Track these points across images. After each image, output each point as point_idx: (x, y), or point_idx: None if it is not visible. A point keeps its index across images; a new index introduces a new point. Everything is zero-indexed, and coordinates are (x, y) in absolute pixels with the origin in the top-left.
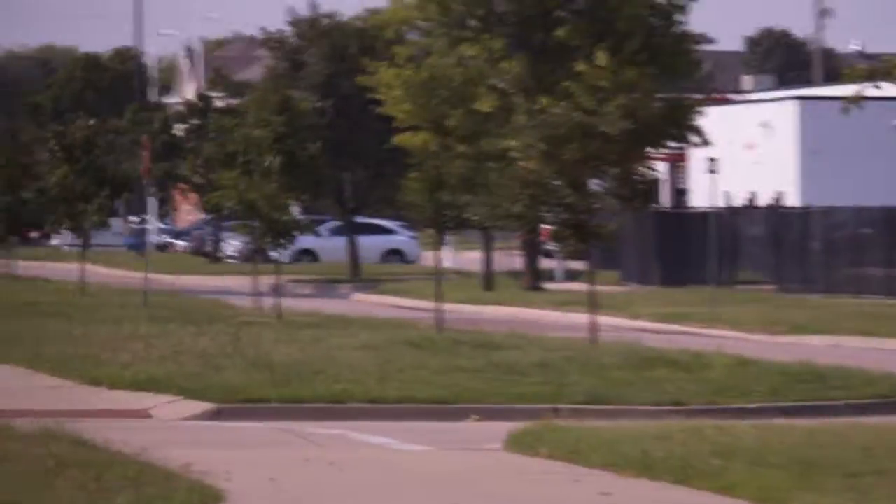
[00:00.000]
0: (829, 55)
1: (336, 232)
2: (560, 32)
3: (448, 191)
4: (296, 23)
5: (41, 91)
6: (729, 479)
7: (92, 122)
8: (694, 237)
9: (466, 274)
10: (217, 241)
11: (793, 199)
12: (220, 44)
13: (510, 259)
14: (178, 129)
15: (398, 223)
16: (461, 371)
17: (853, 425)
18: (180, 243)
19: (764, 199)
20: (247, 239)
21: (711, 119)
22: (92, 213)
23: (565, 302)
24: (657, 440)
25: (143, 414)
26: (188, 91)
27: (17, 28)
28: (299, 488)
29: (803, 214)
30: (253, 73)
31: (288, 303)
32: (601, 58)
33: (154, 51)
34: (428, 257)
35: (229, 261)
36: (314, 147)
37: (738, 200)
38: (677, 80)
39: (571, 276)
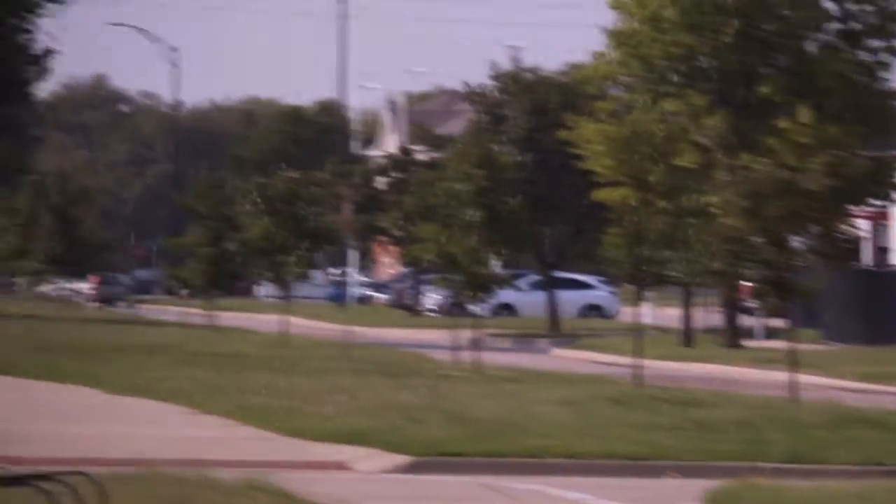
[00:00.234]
0: None
1: (535, 286)
2: (763, 89)
3: (648, 246)
4: (498, 77)
5: (244, 143)
6: None
7: (294, 174)
8: None
9: (665, 330)
10: (417, 294)
11: None
12: (422, 97)
13: (709, 315)
14: (380, 182)
15: (597, 278)
16: (659, 428)
17: None
18: (380, 296)
19: None
20: (446, 292)
21: None
22: (293, 264)
23: (765, 360)
24: (858, 501)
25: (343, 466)
26: (390, 144)
27: (222, 80)
28: None
29: None
30: (454, 126)
31: (487, 356)
32: (804, 114)
33: (357, 103)
34: (626, 312)
35: (429, 314)
36: (515, 201)
37: None
38: (881, 138)
39: (771, 333)
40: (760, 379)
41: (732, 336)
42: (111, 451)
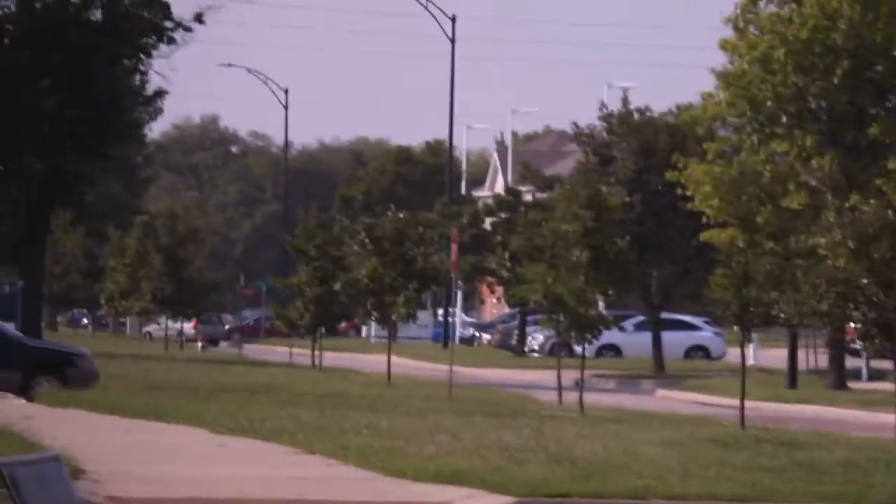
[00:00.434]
0: None
1: (640, 327)
2: (873, 129)
3: (755, 287)
4: (607, 117)
5: (353, 183)
6: None
7: (402, 214)
8: None
9: (770, 371)
10: (522, 335)
11: None
12: (529, 138)
13: (815, 356)
14: (487, 223)
15: (703, 319)
16: (763, 469)
17: None
18: (485, 336)
19: None
20: (551, 333)
21: None
22: (400, 305)
23: (871, 401)
24: None
25: None
26: (497, 184)
27: (331, 121)
28: None
29: None
30: (562, 167)
31: (591, 397)
32: None
33: (465, 144)
34: (732, 354)
35: (533, 354)
36: (623, 242)
37: None
38: None
39: (878, 375)
40: (866, 420)
41: (838, 377)
42: (215, 491)
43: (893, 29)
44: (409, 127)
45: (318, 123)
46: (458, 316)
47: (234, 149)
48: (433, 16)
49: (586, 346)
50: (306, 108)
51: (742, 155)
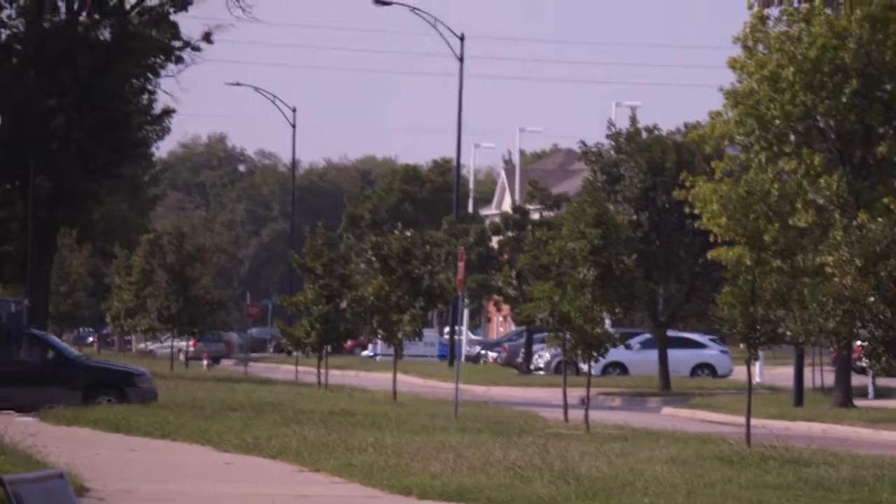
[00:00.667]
0: None
1: (646, 345)
2: (881, 148)
3: (762, 305)
4: (615, 136)
5: (360, 202)
6: None
7: (409, 233)
8: None
9: (776, 389)
10: (528, 353)
11: None
12: (537, 156)
13: (821, 374)
14: (494, 241)
15: (710, 337)
16: (769, 487)
17: None
18: (492, 354)
19: None
20: (557, 351)
21: None
22: (406, 323)
23: (877, 419)
24: None
25: None
26: (505, 203)
27: (339, 140)
28: None
29: None
30: (570, 185)
31: (597, 415)
32: None
33: (472, 163)
34: (739, 371)
35: (539, 372)
36: (630, 260)
37: None
38: None
39: (883, 393)
40: (873, 438)
41: (844, 395)
42: None
43: None
44: (417, 146)
45: (325, 142)
46: (465, 334)
47: (241, 167)
48: (441, 35)
49: (592, 363)
50: (314, 127)
51: (750, 173)
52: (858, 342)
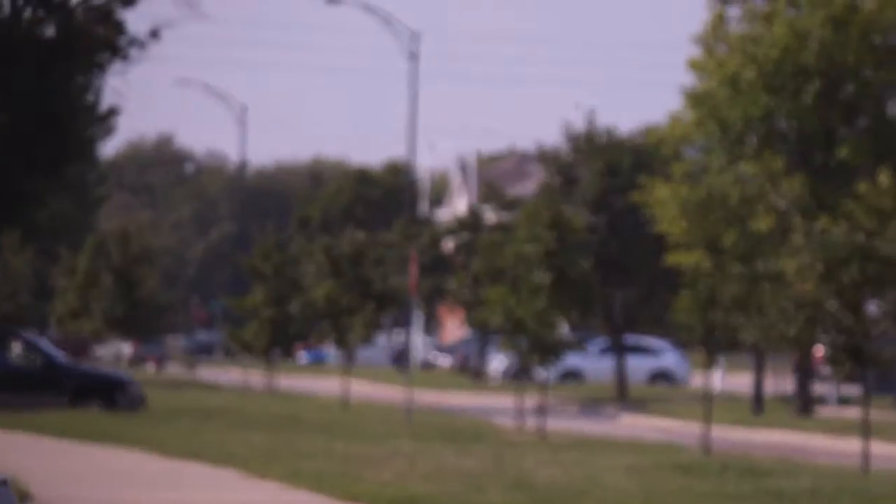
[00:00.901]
0: None
1: (603, 351)
2: (842, 151)
3: (721, 311)
4: (571, 138)
5: (311, 203)
6: None
7: (360, 235)
8: None
9: (735, 396)
10: (482, 359)
11: None
12: (493, 158)
13: (781, 382)
14: (448, 244)
15: (667, 343)
16: (727, 497)
17: None
18: (445, 359)
19: None
20: (512, 357)
21: None
22: (357, 327)
23: (837, 428)
24: None
25: None
26: (459, 205)
27: (289, 140)
28: None
29: None
30: (525, 188)
31: (552, 423)
32: (884, 178)
33: (426, 164)
34: (697, 378)
35: (493, 379)
36: (586, 264)
37: None
38: None
39: (844, 400)
40: (832, 448)
41: (805, 403)
42: None
43: (864, 50)
44: (369, 146)
45: (275, 142)
46: (418, 339)
47: (189, 167)
48: (395, 33)
49: (548, 370)
50: (263, 127)
51: (710, 176)
52: (820, 349)
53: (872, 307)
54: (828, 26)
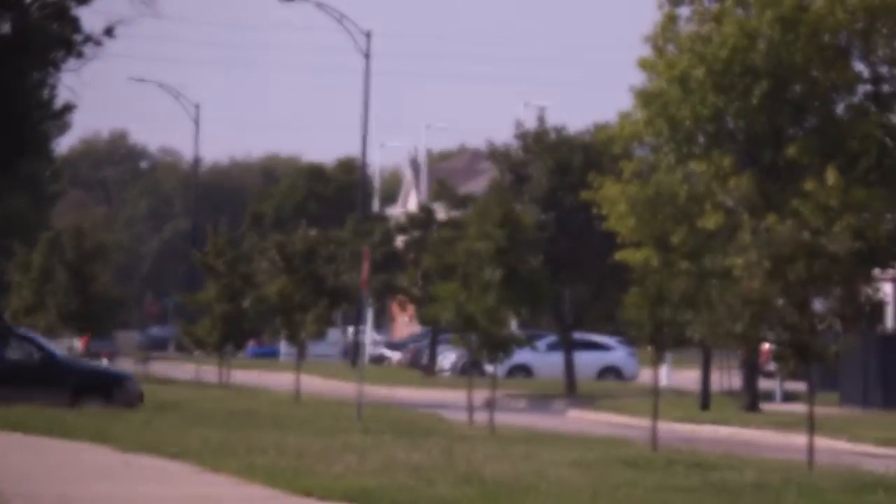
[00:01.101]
0: None
1: (552, 347)
2: (790, 150)
3: (669, 308)
4: (522, 136)
5: (264, 200)
6: None
7: (313, 232)
8: None
9: (683, 392)
10: (433, 354)
11: None
12: (444, 156)
13: (728, 378)
14: (400, 241)
15: (616, 339)
16: (675, 490)
17: None
18: (396, 355)
19: None
20: (462, 352)
21: None
22: (310, 322)
23: (783, 423)
24: None
25: None
26: (411, 202)
27: (242, 137)
28: None
29: None
30: (476, 185)
31: (501, 418)
32: (831, 176)
33: (378, 161)
34: (645, 374)
35: (444, 374)
36: (536, 261)
37: None
38: None
39: (789, 396)
40: (778, 442)
41: (751, 399)
42: None
43: (812, 49)
44: (322, 144)
45: (228, 139)
46: (369, 334)
47: (143, 164)
48: (348, 31)
49: (498, 365)
50: (217, 124)
51: (659, 174)
52: (766, 346)
53: (818, 304)
54: (776, 26)
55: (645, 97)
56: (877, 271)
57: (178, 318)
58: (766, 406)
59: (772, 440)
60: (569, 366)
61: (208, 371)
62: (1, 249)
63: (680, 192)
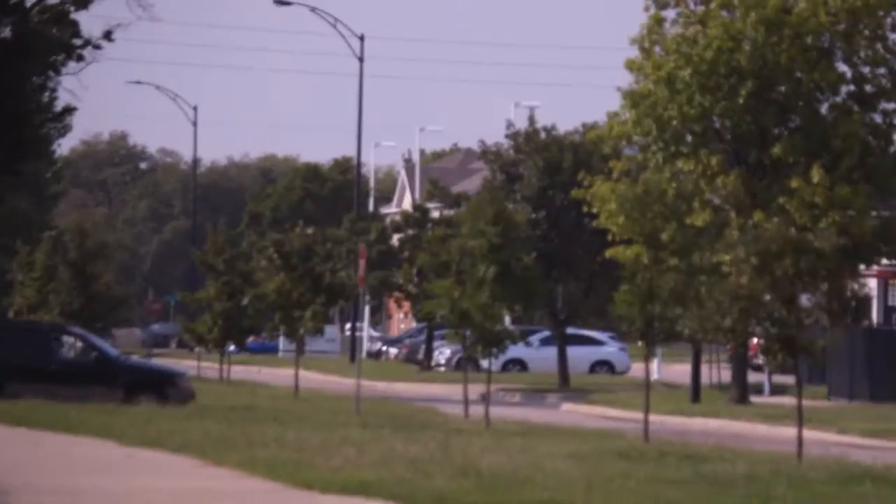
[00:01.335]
0: None
1: (545, 342)
2: (776, 149)
3: (659, 303)
4: (514, 136)
5: (262, 200)
6: None
7: (310, 231)
8: None
9: (674, 386)
10: (429, 350)
11: None
12: (437, 156)
13: (718, 372)
14: (395, 239)
15: (608, 335)
16: (667, 482)
17: None
18: (393, 350)
19: None
20: (458, 347)
21: None
22: (308, 319)
23: (772, 416)
24: None
25: None
26: (405, 201)
27: (241, 138)
28: None
29: None
30: (470, 184)
31: (497, 411)
32: (816, 174)
33: (373, 161)
34: (637, 369)
35: (439, 369)
36: (528, 258)
37: None
38: (891, 198)
39: (778, 389)
40: (768, 434)
41: (741, 392)
42: (125, 503)
43: (796, 50)
44: (318, 144)
45: (226, 140)
46: (366, 330)
47: (143, 165)
48: (342, 35)
49: (492, 360)
50: (215, 126)
51: (647, 173)
52: (755, 340)
53: (805, 299)
54: (761, 28)
55: (633, 98)
56: (862, 267)
57: (179, 316)
58: (755, 399)
59: (761, 432)
60: (562, 360)
61: (209, 367)
62: (4, 248)
63: (668, 190)
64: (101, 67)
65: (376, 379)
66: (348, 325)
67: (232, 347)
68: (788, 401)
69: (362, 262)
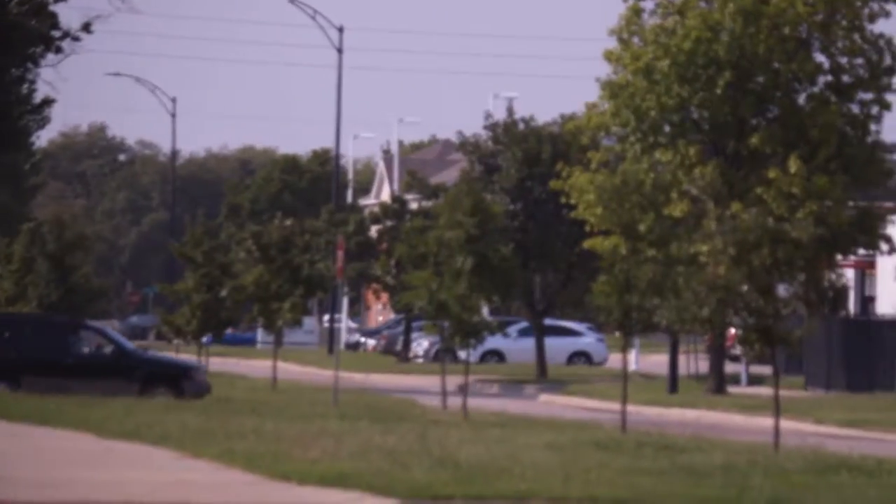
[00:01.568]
0: None
1: (523, 333)
2: (754, 140)
3: (637, 294)
4: (492, 127)
5: (240, 191)
6: None
7: (289, 222)
8: (881, 344)
9: (651, 376)
10: (407, 341)
11: None
12: (416, 147)
13: (695, 362)
14: (373, 231)
15: (586, 325)
16: (644, 472)
17: None
18: (371, 342)
19: None
20: (436, 338)
21: None
22: (286, 311)
23: (749, 406)
24: None
25: None
26: (384, 193)
27: (219, 130)
28: None
29: None
30: (448, 175)
31: (475, 402)
32: (793, 165)
33: (351, 153)
34: (614, 359)
35: (417, 360)
36: (506, 249)
37: None
38: (868, 189)
39: (755, 380)
40: (745, 425)
41: (718, 382)
42: (103, 495)
43: (774, 41)
44: (297, 136)
45: (205, 132)
46: (344, 322)
47: (121, 157)
48: (321, 26)
49: (470, 351)
50: (194, 117)
51: (625, 164)
52: (732, 330)
53: (782, 289)
54: (738, 19)
55: (611, 88)
56: (839, 257)
57: (157, 308)
58: (732, 389)
59: (738, 422)
60: (540, 351)
61: (187, 359)
62: None
63: (646, 181)
64: (80, 59)
65: (354, 370)
66: (326, 317)
67: (206, 338)
68: (765, 391)
69: (340, 254)
